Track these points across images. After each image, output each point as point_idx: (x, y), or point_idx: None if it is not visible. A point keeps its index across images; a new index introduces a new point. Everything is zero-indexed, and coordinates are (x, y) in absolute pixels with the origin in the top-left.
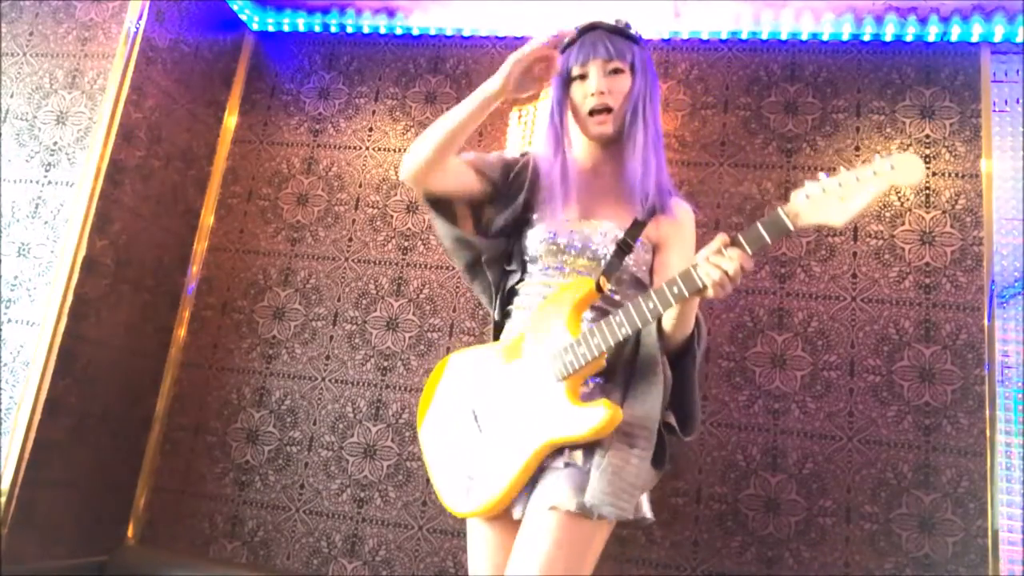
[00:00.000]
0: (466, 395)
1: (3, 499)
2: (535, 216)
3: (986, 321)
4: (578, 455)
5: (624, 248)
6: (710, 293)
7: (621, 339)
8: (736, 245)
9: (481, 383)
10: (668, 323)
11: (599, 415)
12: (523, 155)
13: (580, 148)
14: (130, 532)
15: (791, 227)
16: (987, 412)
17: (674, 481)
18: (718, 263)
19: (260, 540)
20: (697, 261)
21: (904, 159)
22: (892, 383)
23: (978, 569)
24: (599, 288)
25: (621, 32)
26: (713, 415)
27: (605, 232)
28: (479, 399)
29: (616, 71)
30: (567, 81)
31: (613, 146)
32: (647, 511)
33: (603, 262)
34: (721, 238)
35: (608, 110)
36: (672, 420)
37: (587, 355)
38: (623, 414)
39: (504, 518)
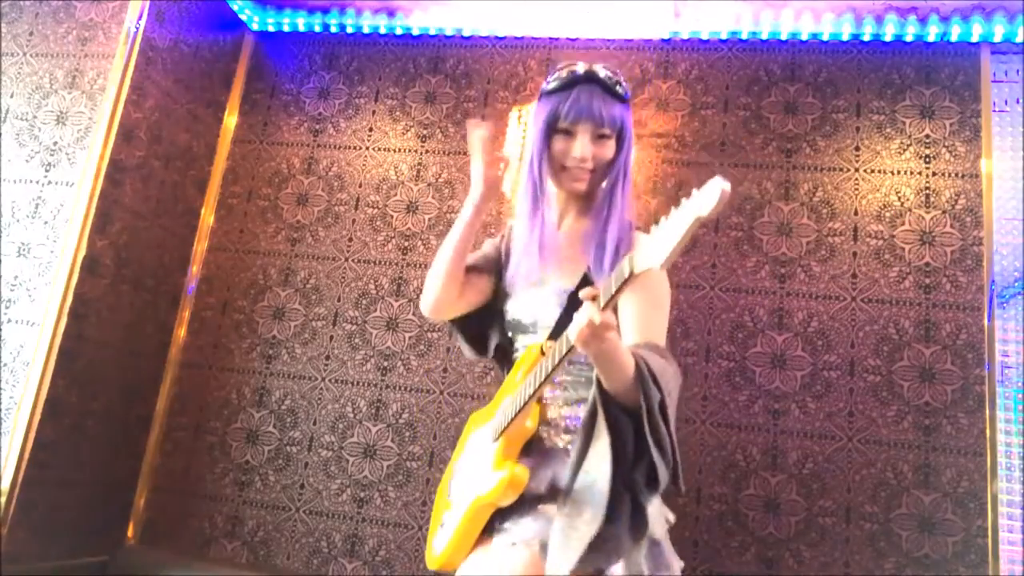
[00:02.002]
0: (459, 453)
1: (3, 499)
2: (508, 284)
3: (986, 321)
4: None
5: (572, 305)
6: (581, 350)
7: (528, 396)
8: (593, 299)
9: (468, 443)
10: (600, 377)
11: (503, 475)
12: (509, 229)
13: (550, 197)
14: (130, 532)
15: (627, 272)
16: (987, 412)
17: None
18: (578, 322)
19: (260, 540)
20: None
21: (706, 186)
22: (892, 383)
23: (978, 569)
24: (543, 352)
25: (613, 92)
26: (713, 415)
27: (557, 292)
28: (461, 458)
29: (603, 136)
30: (550, 128)
31: (583, 200)
32: (674, 569)
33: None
34: (585, 292)
35: (588, 173)
36: (639, 477)
37: (510, 412)
38: (573, 463)
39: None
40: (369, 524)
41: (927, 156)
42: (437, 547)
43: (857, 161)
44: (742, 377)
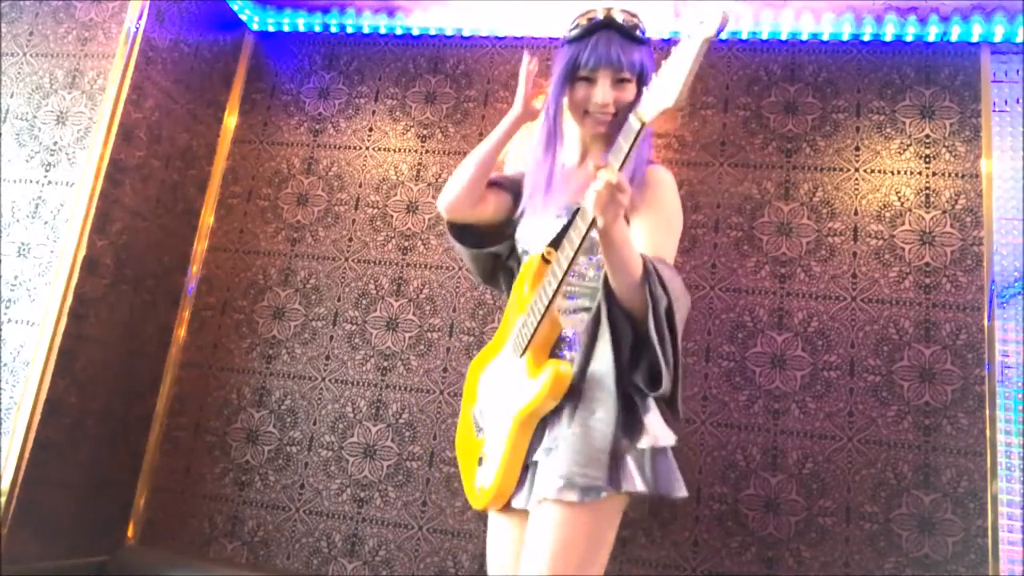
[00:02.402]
0: (471, 398)
1: (3, 499)
2: (520, 214)
3: (986, 321)
4: (556, 436)
5: (576, 216)
6: (599, 222)
7: (550, 296)
8: (604, 166)
9: (479, 385)
10: (608, 273)
11: (546, 376)
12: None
13: (572, 139)
14: (130, 532)
15: (637, 125)
16: (987, 412)
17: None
18: (594, 188)
19: (260, 540)
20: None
21: (709, 11)
22: (892, 383)
23: (978, 569)
24: (545, 260)
25: (632, 36)
26: (713, 415)
27: (561, 209)
28: (479, 401)
29: (623, 80)
30: (569, 75)
31: (604, 141)
32: (677, 489)
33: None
34: (592, 164)
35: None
36: (638, 379)
37: (532, 324)
38: (576, 373)
39: (514, 512)
40: (369, 524)
41: (927, 156)
42: (485, 481)
43: (857, 161)
44: (742, 377)
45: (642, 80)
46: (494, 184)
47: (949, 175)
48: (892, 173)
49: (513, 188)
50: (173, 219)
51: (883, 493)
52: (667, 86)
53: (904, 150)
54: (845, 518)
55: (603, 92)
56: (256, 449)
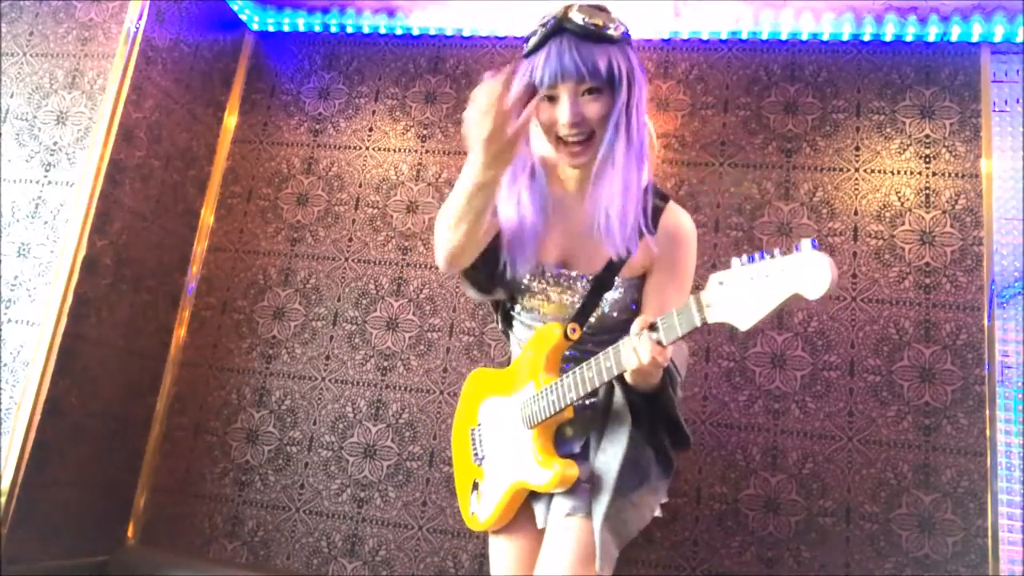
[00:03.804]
0: (474, 415)
1: (3, 499)
2: (505, 253)
3: (986, 321)
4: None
5: (597, 291)
6: (629, 380)
7: (567, 401)
8: (653, 330)
9: (481, 410)
10: (631, 381)
11: (551, 475)
12: None
13: (552, 167)
14: (130, 532)
15: (698, 323)
16: (987, 412)
17: (674, 481)
18: (636, 348)
19: (260, 540)
20: (621, 343)
21: (815, 265)
22: (892, 383)
23: (978, 569)
24: (567, 336)
25: (596, 36)
26: (713, 415)
27: (574, 276)
28: (481, 423)
29: (591, 91)
30: (532, 95)
31: (592, 165)
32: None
33: (573, 307)
34: (640, 320)
35: (584, 141)
36: (663, 436)
37: (552, 407)
38: (587, 467)
39: (524, 529)
40: (369, 524)
41: (927, 156)
42: (480, 515)
43: (857, 161)
44: (742, 377)
45: (616, 86)
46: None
47: (949, 175)
48: (892, 173)
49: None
50: (173, 219)
51: (883, 493)
52: (744, 310)
53: (904, 150)
54: (845, 518)
55: (567, 111)
56: (256, 449)
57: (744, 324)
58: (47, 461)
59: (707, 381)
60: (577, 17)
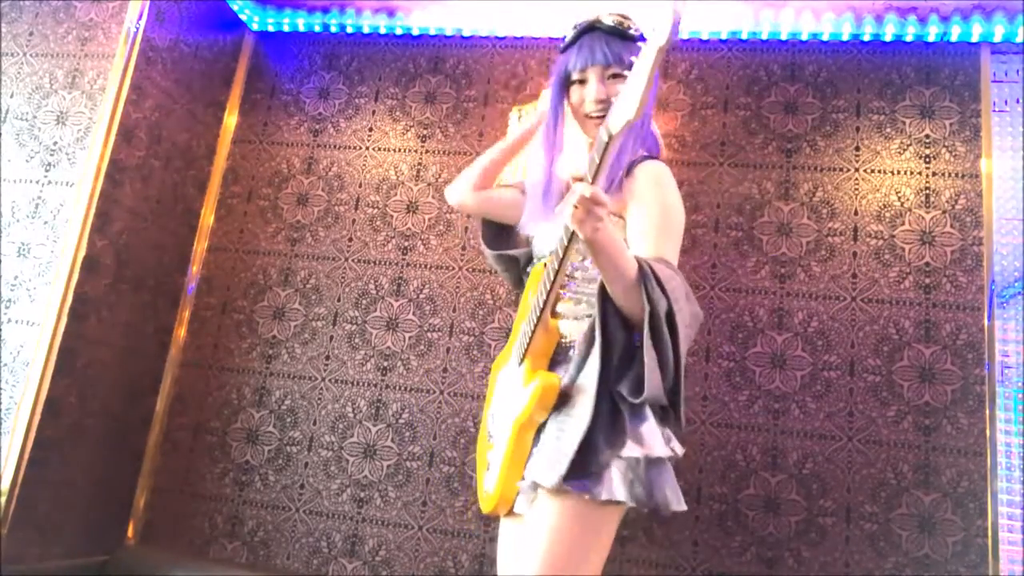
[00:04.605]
0: (491, 398)
1: (3, 499)
2: (525, 223)
3: (986, 321)
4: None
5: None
6: (579, 233)
7: (541, 305)
8: (580, 178)
9: (497, 386)
10: (603, 280)
11: (533, 386)
12: None
13: (580, 145)
14: (130, 532)
15: (605, 138)
16: (987, 412)
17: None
18: (569, 201)
19: (260, 540)
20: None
21: (659, 16)
22: (892, 383)
23: (978, 569)
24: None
25: (620, 33)
26: (713, 415)
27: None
28: (492, 406)
29: (615, 76)
30: (565, 83)
31: None
32: (674, 502)
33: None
34: (572, 173)
35: (606, 115)
36: (622, 386)
37: (528, 331)
38: (567, 383)
39: (520, 517)
40: (369, 524)
41: (927, 156)
42: (489, 487)
43: (857, 161)
44: (742, 377)
45: None
46: (511, 187)
47: (949, 175)
48: (892, 173)
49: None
50: (173, 219)
51: (883, 493)
52: (629, 98)
53: (904, 150)
54: (845, 518)
55: (594, 89)
56: (256, 449)
57: (631, 111)
58: (47, 461)
59: (707, 381)
60: (606, 19)
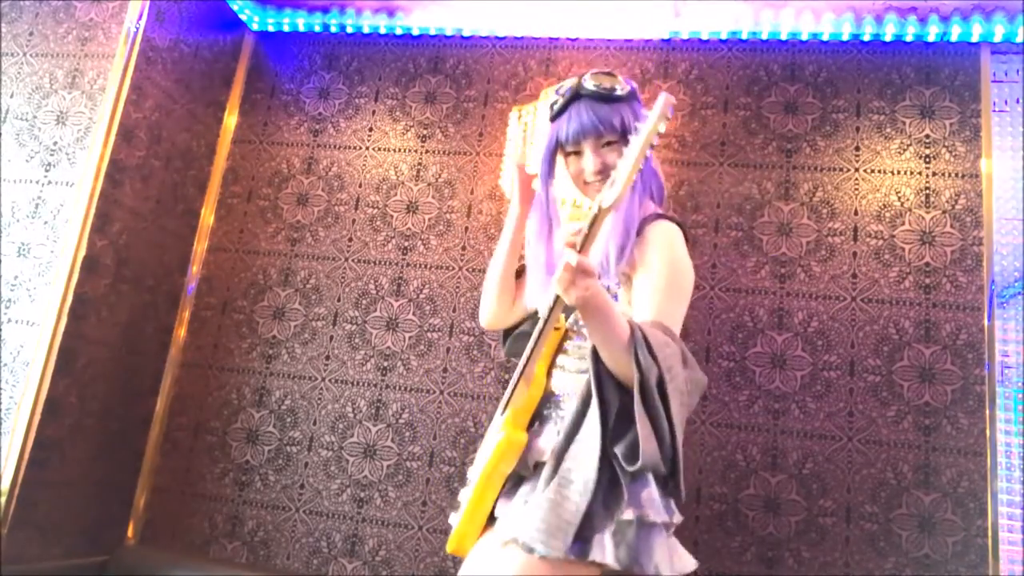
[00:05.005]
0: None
1: (3, 499)
2: (528, 294)
3: (986, 321)
4: (531, 495)
5: None
6: (565, 299)
7: (523, 363)
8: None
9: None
10: (596, 344)
11: (498, 439)
12: None
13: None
14: (130, 532)
15: (596, 210)
16: (987, 412)
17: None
18: (557, 264)
19: (260, 540)
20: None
21: (655, 106)
22: (892, 383)
23: (978, 569)
24: (561, 331)
25: (608, 97)
26: (713, 415)
27: None
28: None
29: (609, 144)
30: (555, 154)
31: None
32: (658, 566)
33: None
34: (565, 239)
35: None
36: (618, 450)
37: (512, 384)
38: (561, 441)
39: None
40: (369, 524)
41: (927, 156)
42: (454, 526)
43: (857, 161)
44: (742, 377)
45: (628, 135)
46: (522, 273)
47: (949, 175)
48: (892, 173)
49: None
50: (173, 219)
51: (883, 493)
52: (619, 181)
53: (904, 150)
54: (845, 518)
55: (591, 162)
56: (256, 449)
57: (614, 193)
58: (47, 461)
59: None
60: (590, 84)
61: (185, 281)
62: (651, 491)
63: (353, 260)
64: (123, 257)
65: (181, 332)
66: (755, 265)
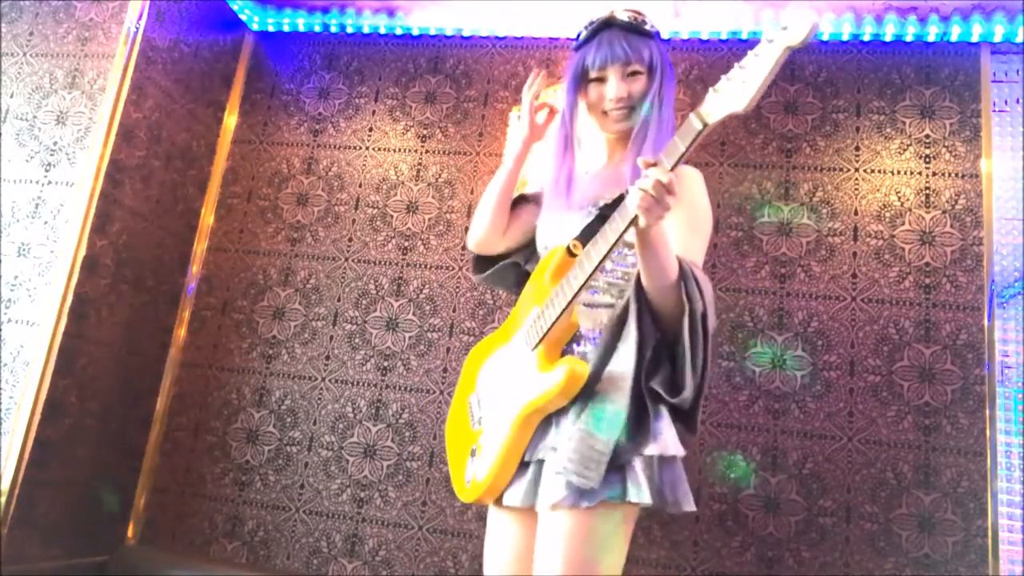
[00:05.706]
0: (472, 384)
1: (3, 499)
2: (543, 215)
3: (986, 321)
4: (562, 434)
5: (606, 212)
6: (641, 221)
7: (575, 290)
8: (655, 164)
9: (480, 374)
10: (642, 273)
11: (561, 373)
12: None
13: (597, 143)
14: (130, 532)
15: (699, 126)
16: (987, 412)
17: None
18: (641, 186)
19: (260, 540)
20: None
21: (795, 18)
22: (892, 383)
23: (978, 569)
24: (571, 252)
25: (636, 29)
26: (713, 415)
27: (588, 206)
28: (477, 391)
29: (634, 73)
30: (581, 79)
31: (629, 139)
32: (686, 502)
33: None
34: (641, 160)
35: (626, 112)
36: (657, 384)
37: (551, 317)
38: (593, 372)
39: (514, 509)
40: (369, 524)
41: (927, 156)
42: (478, 473)
43: (857, 161)
44: (742, 377)
45: (653, 71)
46: (518, 204)
47: (949, 175)
48: (892, 173)
49: (538, 201)
50: (173, 219)
51: (883, 493)
52: (739, 91)
53: (904, 150)
54: (845, 518)
55: (615, 87)
56: (256, 449)
57: (742, 103)
58: (47, 461)
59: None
60: (622, 15)
61: (185, 281)
62: (667, 423)
63: (353, 260)
64: (123, 257)
65: (181, 332)
66: (755, 265)
